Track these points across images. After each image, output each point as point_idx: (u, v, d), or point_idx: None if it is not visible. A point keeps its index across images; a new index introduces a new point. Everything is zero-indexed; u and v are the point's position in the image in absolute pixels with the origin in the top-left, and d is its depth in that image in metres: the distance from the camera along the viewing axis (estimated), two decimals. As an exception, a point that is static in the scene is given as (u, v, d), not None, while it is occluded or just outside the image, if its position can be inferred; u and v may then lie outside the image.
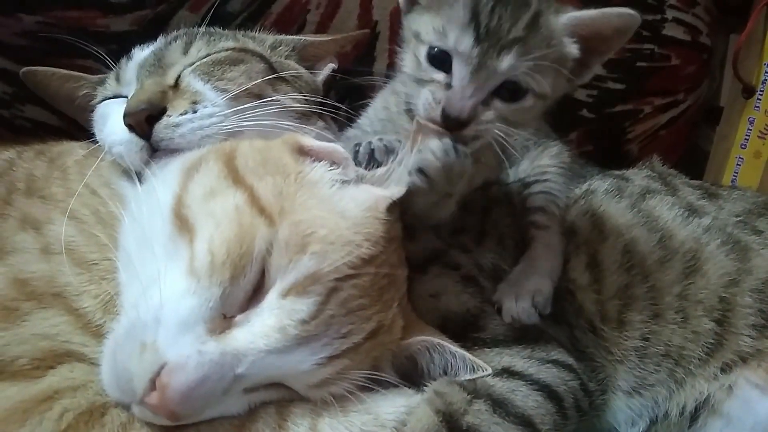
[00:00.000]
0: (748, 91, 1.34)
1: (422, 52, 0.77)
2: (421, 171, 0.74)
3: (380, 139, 0.83)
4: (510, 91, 0.75)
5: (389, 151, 0.81)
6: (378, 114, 0.92)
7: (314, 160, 0.78)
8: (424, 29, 0.77)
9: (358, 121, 0.95)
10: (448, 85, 0.74)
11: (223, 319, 0.64)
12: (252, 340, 0.63)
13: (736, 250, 0.90)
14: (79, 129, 1.05)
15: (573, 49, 0.77)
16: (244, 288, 0.65)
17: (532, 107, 0.77)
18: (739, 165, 1.35)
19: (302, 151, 0.79)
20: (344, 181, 0.77)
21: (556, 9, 0.77)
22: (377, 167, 0.80)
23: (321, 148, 0.80)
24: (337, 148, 0.80)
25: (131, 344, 0.63)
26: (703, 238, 0.92)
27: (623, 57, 1.33)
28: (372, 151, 0.82)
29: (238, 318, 0.65)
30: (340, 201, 0.74)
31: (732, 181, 1.36)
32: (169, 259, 0.68)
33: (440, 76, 0.75)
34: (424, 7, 0.78)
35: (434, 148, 0.72)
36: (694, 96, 1.43)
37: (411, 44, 0.80)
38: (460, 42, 0.72)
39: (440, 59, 0.75)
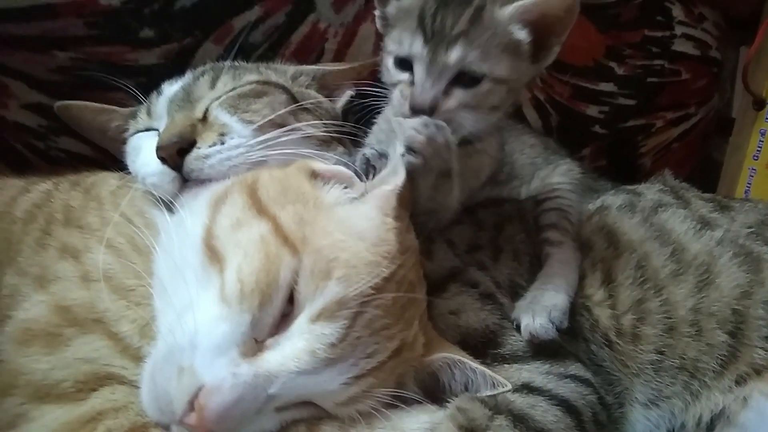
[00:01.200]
0: (759, 104, 1.36)
1: (389, 61, 0.87)
2: (409, 149, 0.80)
3: (373, 148, 0.89)
4: (468, 78, 0.82)
5: (382, 155, 0.88)
6: (381, 126, 0.96)
7: (325, 183, 0.82)
8: (389, 43, 0.87)
9: (366, 139, 0.99)
10: (412, 83, 0.83)
11: (254, 342, 0.67)
12: (283, 363, 0.66)
13: (749, 261, 0.91)
14: (111, 158, 1.09)
15: (521, 34, 0.84)
16: (272, 314, 0.68)
17: (493, 90, 0.84)
18: (752, 176, 1.37)
19: (314, 175, 0.83)
20: (354, 198, 0.80)
21: (501, 2, 0.83)
22: (376, 174, 0.85)
23: (328, 170, 0.84)
24: (341, 168, 0.85)
25: (170, 368, 0.66)
26: (715, 250, 0.93)
27: (634, 73, 1.36)
28: (368, 159, 0.87)
29: (269, 341, 0.68)
30: (357, 222, 0.77)
31: (745, 192, 1.37)
32: (201, 287, 0.71)
33: (404, 76, 0.85)
34: (391, 26, 0.88)
35: (414, 124, 0.80)
36: (706, 109, 1.45)
37: (383, 58, 0.90)
38: (413, 46, 0.83)
39: (403, 64, 0.85)
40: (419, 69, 0.82)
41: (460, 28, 0.81)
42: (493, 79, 0.83)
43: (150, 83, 1.04)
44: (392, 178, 0.81)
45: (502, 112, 0.90)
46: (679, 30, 1.37)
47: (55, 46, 1.09)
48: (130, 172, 0.96)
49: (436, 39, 0.81)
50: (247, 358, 0.66)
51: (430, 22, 0.81)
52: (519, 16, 0.82)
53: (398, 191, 0.80)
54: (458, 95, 0.82)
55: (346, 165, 0.88)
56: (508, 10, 0.82)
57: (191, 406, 0.64)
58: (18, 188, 0.96)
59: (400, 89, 0.85)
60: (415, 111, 0.82)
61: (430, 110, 0.81)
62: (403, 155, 0.80)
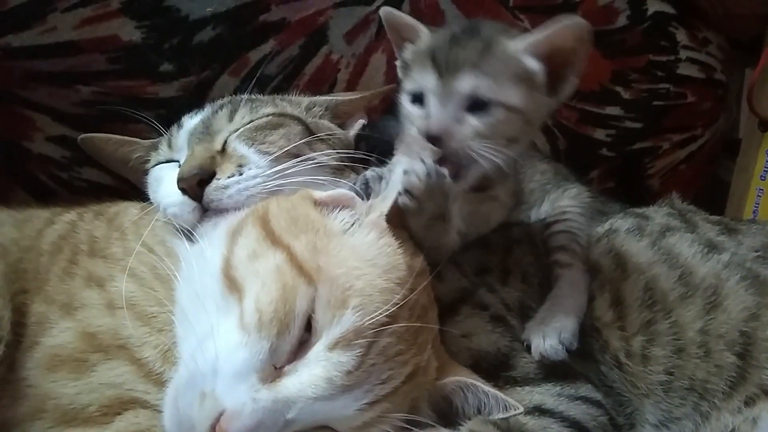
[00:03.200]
0: (765, 125, 1.38)
1: (406, 100, 0.89)
2: (407, 192, 0.82)
3: (372, 170, 0.92)
4: (481, 107, 0.83)
5: (381, 178, 0.90)
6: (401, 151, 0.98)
7: (330, 211, 0.85)
8: (406, 84, 0.90)
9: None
10: (427, 115, 0.85)
11: (273, 369, 0.69)
12: (301, 389, 0.68)
13: (756, 284, 0.92)
14: (131, 187, 1.14)
15: (534, 65, 0.84)
16: (290, 341, 0.70)
17: (507, 120, 0.84)
18: (760, 196, 1.38)
19: (318, 204, 0.86)
20: (358, 220, 0.83)
21: (511, 34, 0.86)
22: (373, 195, 0.89)
23: (329, 197, 0.86)
24: (343, 191, 0.88)
25: (192, 393, 0.68)
26: (722, 273, 0.94)
27: (640, 97, 1.39)
28: (367, 181, 0.90)
29: (287, 368, 0.70)
30: (366, 249, 0.79)
31: (754, 212, 1.39)
32: (221, 315, 0.73)
33: (420, 111, 0.86)
34: (409, 68, 0.90)
35: (417, 170, 0.81)
36: (712, 131, 1.48)
37: (401, 97, 0.91)
38: (426, 79, 0.85)
39: (418, 99, 0.87)
40: (432, 99, 0.84)
41: (471, 59, 0.83)
42: (506, 108, 0.83)
43: (170, 115, 1.08)
44: (379, 205, 0.84)
45: (521, 147, 0.91)
46: (683, 54, 1.40)
47: (78, 80, 1.14)
48: (150, 202, 0.99)
49: (448, 72, 0.83)
50: (266, 384, 0.68)
51: (442, 58, 0.84)
52: (530, 49, 0.84)
53: (384, 215, 0.83)
54: (472, 122, 0.83)
55: (350, 187, 0.91)
56: (519, 42, 0.84)
57: (213, 429, 0.66)
58: (43, 220, 0.99)
59: (414, 122, 0.87)
60: (430, 138, 0.83)
61: (443, 136, 0.83)
62: (399, 194, 0.83)
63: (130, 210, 1.00)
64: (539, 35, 0.83)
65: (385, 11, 0.96)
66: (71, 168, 1.21)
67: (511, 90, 0.83)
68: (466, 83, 0.82)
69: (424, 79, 0.85)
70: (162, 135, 1.04)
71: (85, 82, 1.14)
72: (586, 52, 0.86)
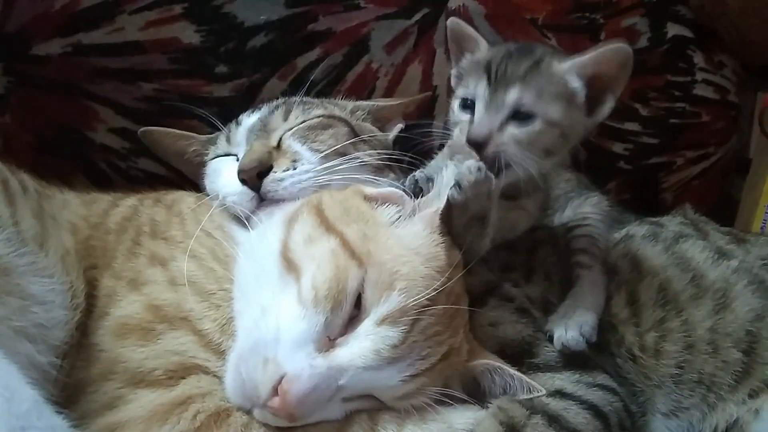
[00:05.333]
0: None
1: (456, 104, 0.96)
2: (457, 183, 0.87)
3: (422, 171, 0.98)
4: (522, 117, 0.89)
5: (430, 179, 0.96)
6: (438, 161, 1.03)
7: (379, 205, 0.92)
8: (459, 90, 0.96)
9: (423, 167, 1.06)
10: (472, 122, 0.91)
11: (327, 340, 0.77)
12: (352, 359, 0.76)
13: (762, 289, 0.96)
14: (184, 179, 1.22)
15: (576, 84, 0.91)
16: (342, 316, 0.78)
17: (545, 132, 0.89)
18: None
19: (367, 198, 0.93)
20: (406, 217, 0.90)
21: (560, 57, 0.92)
22: (422, 194, 0.95)
23: (380, 193, 0.94)
24: (393, 190, 0.94)
25: (255, 359, 0.76)
26: (731, 278, 0.98)
27: (657, 114, 1.45)
28: (416, 181, 0.97)
29: (339, 340, 0.78)
30: (412, 239, 0.87)
31: (761, 228, 1.41)
32: (281, 291, 0.81)
33: (466, 116, 0.93)
34: (463, 77, 0.97)
35: (469, 165, 0.87)
36: (724, 149, 1.52)
37: (451, 103, 0.98)
38: (477, 87, 0.91)
39: (467, 105, 0.93)
40: (480, 106, 0.90)
41: (520, 74, 0.89)
42: (545, 121, 0.89)
43: (222, 113, 1.16)
44: (435, 201, 0.91)
45: (555, 160, 0.96)
46: (700, 76, 1.46)
47: (141, 78, 1.22)
48: (201, 191, 1.07)
49: (498, 82, 0.90)
50: (322, 353, 0.76)
51: (495, 69, 0.91)
52: (575, 69, 0.90)
53: (440, 212, 0.90)
54: (511, 130, 0.88)
55: (396, 187, 0.98)
56: (566, 63, 0.91)
57: (275, 391, 0.73)
58: (107, 202, 1.05)
59: (461, 127, 0.93)
60: (471, 142, 0.89)
61: (485, 142, 0.88)
62: (451, 187, 0.89)
63: (186, 198, 1.06)
64: (585, 57, 0.90)
65: (452, 22, 1.02)
66: (129, 158, 1.27)
67: (553, 105, 0.89)
68: (513, 95, 0.88)
69: (476, 87, 0.91)
70: (218, 130, 1.12)
71: (146, 80, 1.22)
72: (627, 76, 0.91)
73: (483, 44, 0.99)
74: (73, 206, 1.02)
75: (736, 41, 1.47)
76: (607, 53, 0.90)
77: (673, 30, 1.44)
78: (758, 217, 1.45)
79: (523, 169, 0.90)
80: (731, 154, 1.56)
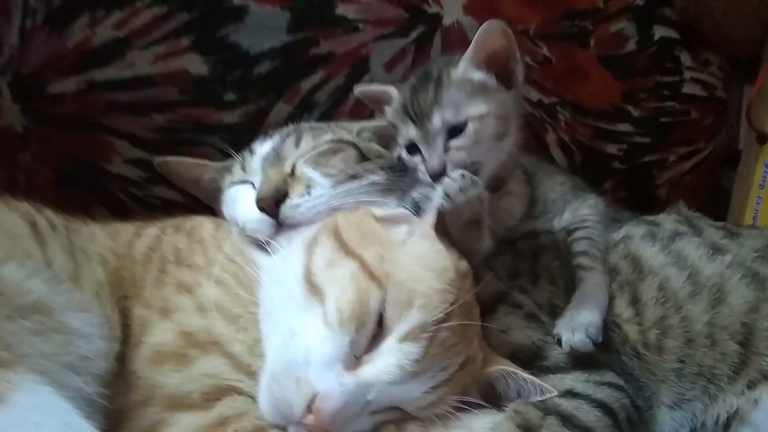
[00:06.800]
0: (762, 138, 1.44)
1: (403, 152, 1.06)
2: (446, 194, 0.93)
3: (419, 193, 1.03)
4: (457, 130, 0.97)
5: (427, 198, 1.01)
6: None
7: (390, 225, 0.97)
8: (398, 139, 1.06)
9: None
10: (423, 158, 1.00)
11: (354, 358, 0.81)
12: (378, 375, 0.80)
13: (756, 281, 0.98)
14: (198, 204, 1.25)
15: (477, 75, 0.99)
16: (366, 335, 0.82)
17: (482, 125, 0.98)
18: (759, 203, 1.44)
19: (379, 220, 0.98)
20: (413, 235, 0.94)
21: (453, 62, 1.00)
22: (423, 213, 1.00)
23: (389, 214, 0.98)
24: (401, 210, 0.99)
25: (288, 379, 0.80)
26: (726, 272, 1.00)
27: (648, 115, 1.49)
28: (417, 203, 1.03)
29: (364, 358, 0.82)
30: (423, 256, 0.91)
31: (753, 218, 1.45)
32: (307, 313, 0.85)
33: (417, 158, 1.02)
34: (395, 126, 1.07)
35: (453, 175, 0.94)
36: (714, 143, 1.56)
37: (399, 152, 1.07)
38: (410, 131, 1.01)
39: (412, 149, 1.03)
40: (422, 146, 0.99)
41: (431, 100, 0.98)
42: (476, 119, 0.97)
43: (232, 139, 1.21)
44: (426, 218, 0.97)
45: (512, 137, 1.03)
46: (687, 75, 1.50)
47: (153, 109, 1.26)
48: (217, 215, 1.11)
49: (420, 118, 0.99)
50: (349, 371, 0.80)
51: (411, 108, 1.00)
52: (470, 65, 0.98)
53: (433, 224, 0.95)
54: (455, 144, 0.97)
55: (403, 207, 1.02)
56: (460, 65, 0.99)
57: (309, 409, 0.77)
58: (130, 233, 1.08)
59: (419, 169, 1.01)
60: (434, 177, 0.97)
61: (443, 170, 0.96)
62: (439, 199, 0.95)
63: (205, 224, 1.09)
64: (469, 50, 0.98)
65: (358, 90, 1.14)
66: (146, 187, 1.31)
67: (473, 105, 0.97)
68: (437, 121, 0.97)
69: (408, 131, 1.01)
70: (231, 157, 1.16)
71: (159, 111, 1.26)
72: (513, 39, 0.99)
73: (392, 91, 1.08)
74: (100, 238, 1.04)
75: (721, 39, 1.51)
76: (483, 35, 0.98)
77: (659, 32, 1.47)
78: (750, 207, 1.48)
79: (491, 161, 0.99)
80: (721, 147, 1.59)
